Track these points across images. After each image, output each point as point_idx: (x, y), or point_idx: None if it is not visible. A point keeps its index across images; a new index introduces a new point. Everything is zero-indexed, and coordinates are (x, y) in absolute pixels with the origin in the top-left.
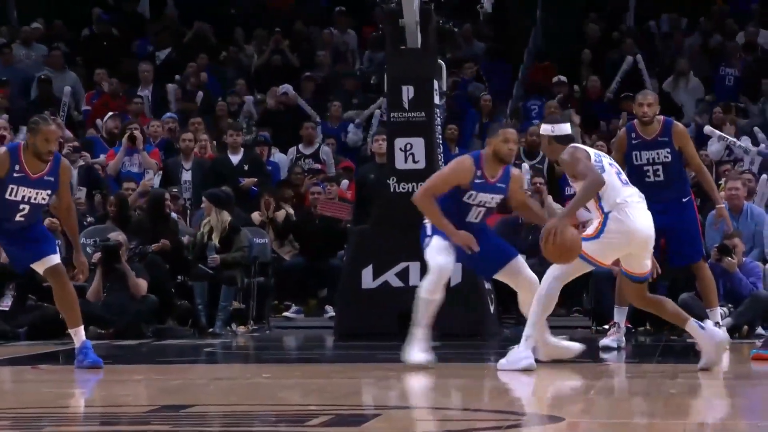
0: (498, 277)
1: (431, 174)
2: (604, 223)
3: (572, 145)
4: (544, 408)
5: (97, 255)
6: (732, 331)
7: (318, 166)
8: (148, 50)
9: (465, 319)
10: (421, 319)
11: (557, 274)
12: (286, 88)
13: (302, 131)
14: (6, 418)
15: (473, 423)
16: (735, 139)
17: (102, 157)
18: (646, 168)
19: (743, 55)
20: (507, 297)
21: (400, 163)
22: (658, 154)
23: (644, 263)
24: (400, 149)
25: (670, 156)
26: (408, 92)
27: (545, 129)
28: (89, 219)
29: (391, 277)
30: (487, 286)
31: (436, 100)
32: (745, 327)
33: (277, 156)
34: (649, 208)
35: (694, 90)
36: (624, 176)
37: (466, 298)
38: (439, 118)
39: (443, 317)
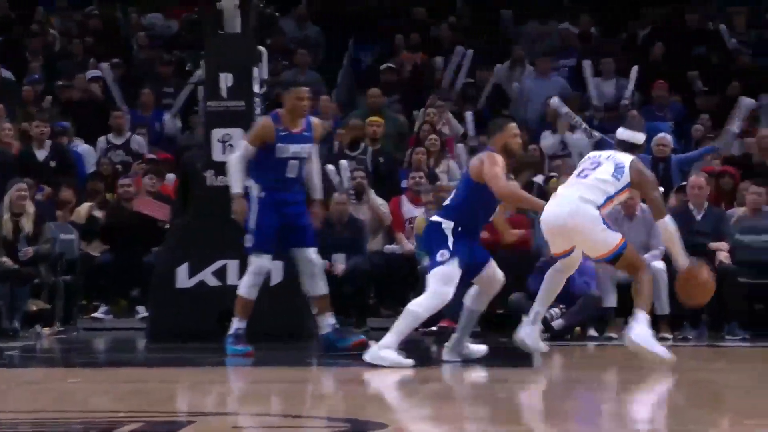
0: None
1: None
2: None
3: None
4: (366, 414)
5: None
6: (564, 332)
7: (129, 158)
8: None
9: (285, 320)
10: (403, 331)
11: (560, 267)
12: (95, 73)
13: (111, 120)
14: None
15: (293, 430)
16: (580, 120)
17: None
18: None
19: (578, 44)
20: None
21: (217, 155)
22: None
23: (590, 247)
24: (218, 140)
25: None
26: (226, 80)
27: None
28: None
29: (207, 275)
30: None
31: (256, 88)
32: (578, 329)
33: (81, 147)
34: None
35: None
36: (587, 172)
37: (287, 298)
38: (259, 108)
39: (262, 317)
